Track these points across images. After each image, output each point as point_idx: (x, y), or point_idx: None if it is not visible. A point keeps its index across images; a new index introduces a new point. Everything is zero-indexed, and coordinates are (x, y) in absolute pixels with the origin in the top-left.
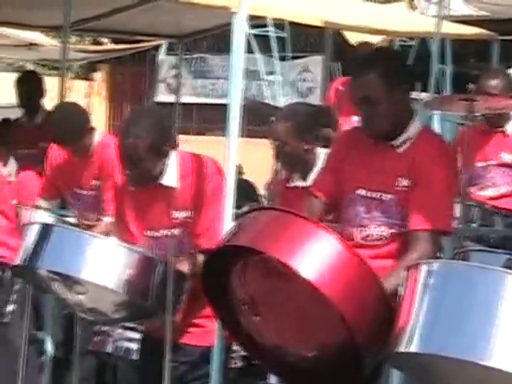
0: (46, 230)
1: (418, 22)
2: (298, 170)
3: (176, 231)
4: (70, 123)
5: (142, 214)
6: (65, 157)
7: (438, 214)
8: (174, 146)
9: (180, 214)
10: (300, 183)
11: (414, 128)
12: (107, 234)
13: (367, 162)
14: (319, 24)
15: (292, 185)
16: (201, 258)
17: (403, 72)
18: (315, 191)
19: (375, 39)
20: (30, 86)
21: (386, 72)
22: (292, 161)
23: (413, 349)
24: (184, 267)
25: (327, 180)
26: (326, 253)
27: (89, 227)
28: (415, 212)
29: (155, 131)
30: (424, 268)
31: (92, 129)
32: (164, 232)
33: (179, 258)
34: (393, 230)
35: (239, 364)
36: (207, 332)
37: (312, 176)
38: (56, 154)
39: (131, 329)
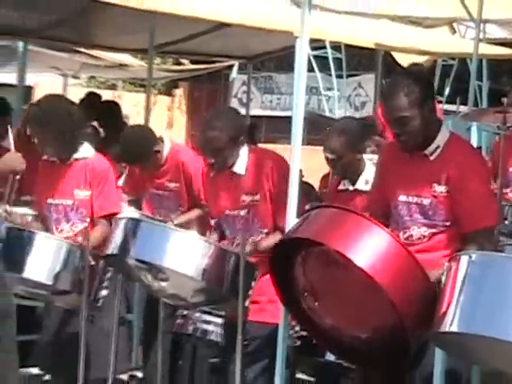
0: (134, 223)
1: (458, 44)
2: (348, 177)
3: (243, 212)
4: (141, 147)
5: (217, 197)
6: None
7: (485, 212)
8: (246, 140)
9: (247, 198)
10: (349, 187)
11: (442, 136)
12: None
13: (405, 171)
14: (371, 46)
15: (342, 188)
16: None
17: (429, 90)
18: (370, 202)
19: (421, 59)
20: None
21: (412, 94)
22: (346, 170)
23: (454, 329)
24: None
25: (378, 190)
26: (378, 245)
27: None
28: (464, 216)
29: (233, 125)
30: (464, 259)
31: (162, 141)
32: (234, 212)
33: (248, 237)
34: (432, 230)
35: (298, 343)
36: (274, 312)
37: (360, 180)
38: None
39: (208, 312)
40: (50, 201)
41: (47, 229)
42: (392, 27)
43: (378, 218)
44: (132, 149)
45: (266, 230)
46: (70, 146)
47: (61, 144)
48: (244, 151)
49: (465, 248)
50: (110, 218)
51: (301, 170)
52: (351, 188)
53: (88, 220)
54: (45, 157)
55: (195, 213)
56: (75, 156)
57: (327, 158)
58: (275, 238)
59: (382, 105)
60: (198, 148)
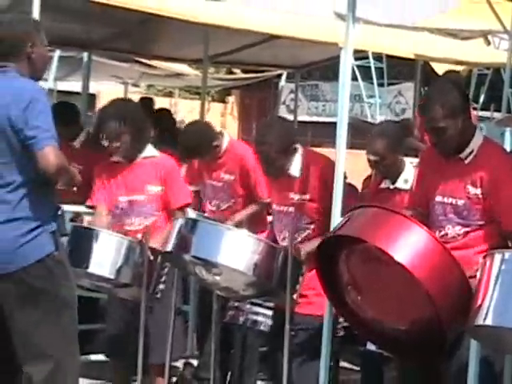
0: (191, 223)
1: (493, 54)
2: (389, 176)
3: (291, 209)
4: (200, 140)
5: (273, 195)
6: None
7: None
8: (298, 146)
9: (296, 196)
10: (390, 185)
11: (476, 141)
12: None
13: (441, 174)
14: (411, 56)
15: (383, 186)
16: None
17: (464, 99)
18: (411, 201)
19: (457, 69)
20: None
21: (447, 104)
22: (387, 170)
23: (488, 322)
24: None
25: (417, 191)
26: (417, 242)
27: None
28: (503, 216)
29: (282, 138)
30: (498, 256)
31: (221, 135)
32: (284, 208)
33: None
34: (466, 229)
35: (342, 333)
36: (320, 305)
37: (400, 179)
38: None
39: (258, 304)
40: (121, 198)
41: (117, 224)
42: (430, 39)
43: (418, 217)
44: (192, 142)
45: (312, 227)
46: (140, 145)
47: (133, 144)
48: (298, 154)
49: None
50: (184, 208)
51: (344, 172)
52: (391, 187)
53: (158, 213)
54: (111, 159)
55: (251, 209)
56: (142, 155)
57: (370, 160)
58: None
59: (421, 115)
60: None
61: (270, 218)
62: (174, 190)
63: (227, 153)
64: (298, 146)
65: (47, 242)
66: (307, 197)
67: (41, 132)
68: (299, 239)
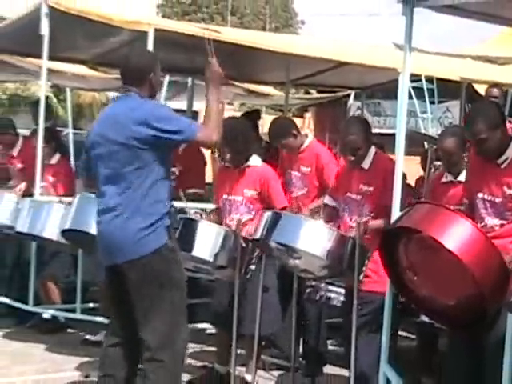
0: (275, 215)
1: None
2: (453, 171)
3: (358, 197)
4: (282, 125)
5: (343, 183)
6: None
7: None
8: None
9: (364, 187)
10: (452, 179)
11: (511, 149)
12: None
13: (483, 175)
14: (457, 79)
15: (445, 180)
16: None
17: (500, 114)
18: (463, 196)
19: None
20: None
21: (488, 120)
22: (454, 165)
23: None
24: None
25: (465, 189)
26: (463, 232)
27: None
28: None
29: (364, 129)
30: None
31: (306, 136)
32: (353, 196)
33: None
34: (503, 221)
35: (400, 307)
36: (382, 284)
37: (462, 174)
38: None
39: (331, 283)
40: (225, 196)
41: (221, 218)
42: (473, 64)
43: (467, 210)
44: (276, 127)
45: (372, 214)
46: (245, 155)
47: (239, 154)
48: (372, 152)
49: None
50: (284, 209)
51: (404, 174)
52: (454, 180)
53: (253, 213)
54: (224, 164)
55: (323, 199)
56: (247, 164)
57: (438, 157)
58: (379, 222)
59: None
60: (339, 150)
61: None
62: (276, 195)
63: (307, 150)
64: (372, 143)
65: (163, 234)
66: (371, 189)
67: (182, 127)
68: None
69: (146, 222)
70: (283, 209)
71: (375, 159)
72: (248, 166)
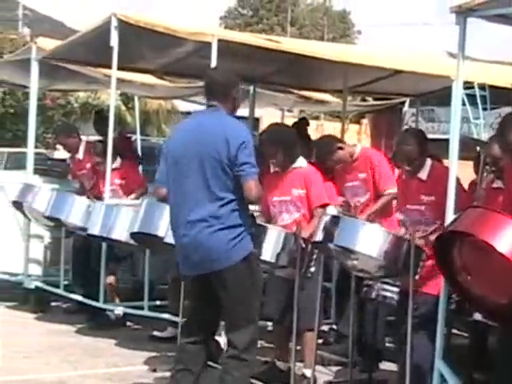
0: (334, 219)
1: None
2: (501, 176)
3: (422, 208)
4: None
5: (403, 195)
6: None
7: None
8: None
9: (426, 198)
10: (501, 185)
11: None
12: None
13: None
14: (508, 86)
15: (495, 186)
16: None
17: None
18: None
19: None
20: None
21: None
22: (501, 171)
23: None
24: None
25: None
26: None
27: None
28: None
29: (419, 141)
30: None
31: (355, 145)
32: (415, 207)
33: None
34: None
35: (453, 306)
36: (436, 285)
37: None
38: None
39: (387, 283)
40: (275, 198)
41: (272, 220)
42: None
43: None
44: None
45: (438, 222)
46: (290, 159)
47: (284, 159)
48: (428, 163)
49: None
50: (323, 207)
51: (458, 178)
52: (502, 186)
53: (302, 211)
54: (271, 170)
55: (380, 203)
56: (293, 166)
57: (486, 163)
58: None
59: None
60: (396, 160)
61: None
62: (315, 192)
63: (360, 157)
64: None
65: (249, 242)
66: (432, 198)
67: (248, 167)
68: (429, 231)
69: (235, 233)
70: (322, 206)
71: (432, 169)
72: (294, 168)
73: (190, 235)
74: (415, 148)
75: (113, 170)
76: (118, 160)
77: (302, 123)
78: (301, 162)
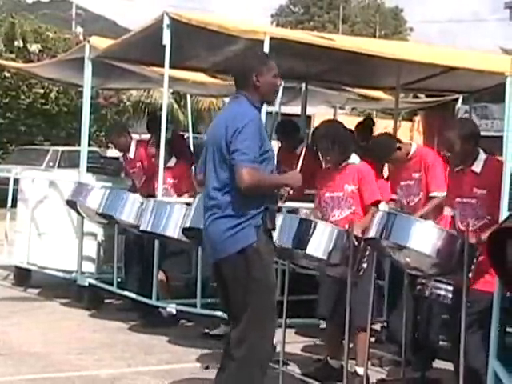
0: (388, 216)
1: None
2: None
3: (473, 201)
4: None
5: (453, 188)
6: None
7: None
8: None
9: (478, 191)
10: None
11: None
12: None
13: None
14: None
15: None
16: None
17: None
18: None
19: None
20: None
21: None
22: None
23: None
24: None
25: None
26: None
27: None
28: None
29: (467, 131)
30: None
31: (410, 144)
32: (466, 200)
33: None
34: None
35: (507, 305)
36: (491, 283)
37: None
38: None
39: (441, 281)
40: (327, 194)
41: (323, 216)
42: None
43: None
44: (377, 147)
45: (489, 217)
46: (344, 156)
47: (338, 155)
48: (482, 156)
49: None
50: (376, 204)
51: None
52: None
53: (353, 208)
54: (323, 166)
55: (433, 203)
56: (347, 162)
57: None
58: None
59: None
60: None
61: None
62: (367, 189)
63: (415, 156)
64: (480, 149)
65: (250, 235)
66: (485, 192)
67: (237, 155)
68: (478, 226)
69: (233, 222)
70: (375, 203)
71: (487, 162)
72: (347, 164)
73: (205, 221)
74: (463, 134)
75: (167, 168)
76: (173, 159)
77: (367, 123)
78: (354, 159)
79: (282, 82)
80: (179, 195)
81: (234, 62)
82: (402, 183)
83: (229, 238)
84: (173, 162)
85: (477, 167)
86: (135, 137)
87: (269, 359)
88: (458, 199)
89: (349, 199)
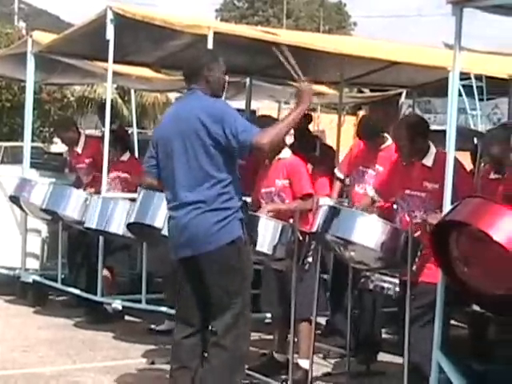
0: (332, 209)
1: None
2: (501, 170)
3: (423, 194)
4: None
5: (403, 180)
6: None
7: None
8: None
9: (429, 185)
10: (499, 176)
11: None
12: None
13: None
14: (505, 76)
15: (493, 177)
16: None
17: None
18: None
19: None
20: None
21: None
22: (503, 166)
23: None
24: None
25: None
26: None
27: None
28: None
29: (413, 126)
30: None
31: (386, 138)
32: (415, 193)
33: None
34: None
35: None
36: (434, 275)
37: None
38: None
39: (385, 274)
40: (262, 190)
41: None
42: None
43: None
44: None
45: (438, 210)
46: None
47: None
48: (433, 150)
49: None
50: (306, 197)
51: (463, 165)
52: (501, 177)
53: (287, 202)
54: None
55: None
56: (278, 157)
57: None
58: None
59: None
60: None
61: None
62: (297, 182)
63: (386, 150)
64: (430, 144)
65: (237, 227)
66: (437, 186)
67: (241, 134)
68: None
69: (221, 216)
70: (305, 196)
71: (438, 157)
72: (279, 159)
73: (177, 218)
74: (413, 128)
75: (121, 162)
76: (127, 154)
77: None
78: (285, 153)
79: (227, 77)
80: (131, 191)
81: (186, 58)
82: (361, 168)
83: (220, 229)
84: (126, 156)
85: (428, 161)
86: (91, 132)
87: (248, 353)
88: (407, 191)
89: (281, 194)
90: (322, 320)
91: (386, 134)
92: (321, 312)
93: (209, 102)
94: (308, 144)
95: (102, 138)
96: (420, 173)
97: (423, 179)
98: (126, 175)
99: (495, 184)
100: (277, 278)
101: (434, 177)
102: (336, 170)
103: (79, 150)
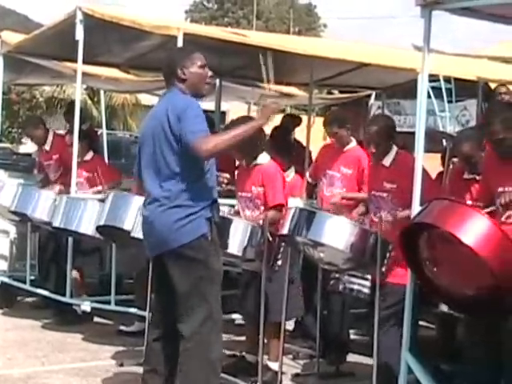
0: (300, 211)
1: None
2: (474, 170)
3: (384, 194)
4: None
5: (369, 182)
6: None
7: None
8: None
9: (388, 185)
10: (472, 176)
11: None
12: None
13: (500, 171)
14: (474, 78)
15: (467, 177)
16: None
17: None
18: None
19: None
20: None
21: (506, 122)
22: (474, 165)
23: None
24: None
25: (482, 186)
26: (480, 227)
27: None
28: None
29: (387, 126)
30: None
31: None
32: (378, 194)
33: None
34: None
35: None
36: (403, 276)
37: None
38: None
39: (354, 275)
40: (239, 194)
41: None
42: (489, 64)
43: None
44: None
45: (400, 209)
46: (254, 154)
47: (248, 153)
48: (393, 151)
49: None
50: (278, 207)
51: (425, 169)
52: (474, 177)
53: (262, 208)
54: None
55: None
56: (256, 162)
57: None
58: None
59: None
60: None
61: None
62: (270, 192)
63: (351, 151)
64: (393, 144)
65: (203, 225)
66: (394, 186)
67: (188, 134)
68: (390, 219)
69: (184, 213)
70: (276, 207)
71: (397, 157)
72: (256, 165)
73: (146, 216)
74: (382, 130)
75: (84, 162)
76: (90, 153)
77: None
78: (262, 159)
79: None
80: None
81: (156, 59)
82: (327, 172)
83: (180, 228)
84: (89, 155)
85: (386, 161)
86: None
87: (222, 356)
88: (372, 192)
89: (257, 200)
90: (291, 321)
91: (351, 137)
92: (293, 314)
93: (177, 101)
94: (287, 145)
95: (67, 133)
96: (380, 173)
97: (383, 179)
98: (87, 175)
99: (470, 183)
100: (248, 279)
101: (391, 177)
102: (307, 176)
103: (47, 147)
